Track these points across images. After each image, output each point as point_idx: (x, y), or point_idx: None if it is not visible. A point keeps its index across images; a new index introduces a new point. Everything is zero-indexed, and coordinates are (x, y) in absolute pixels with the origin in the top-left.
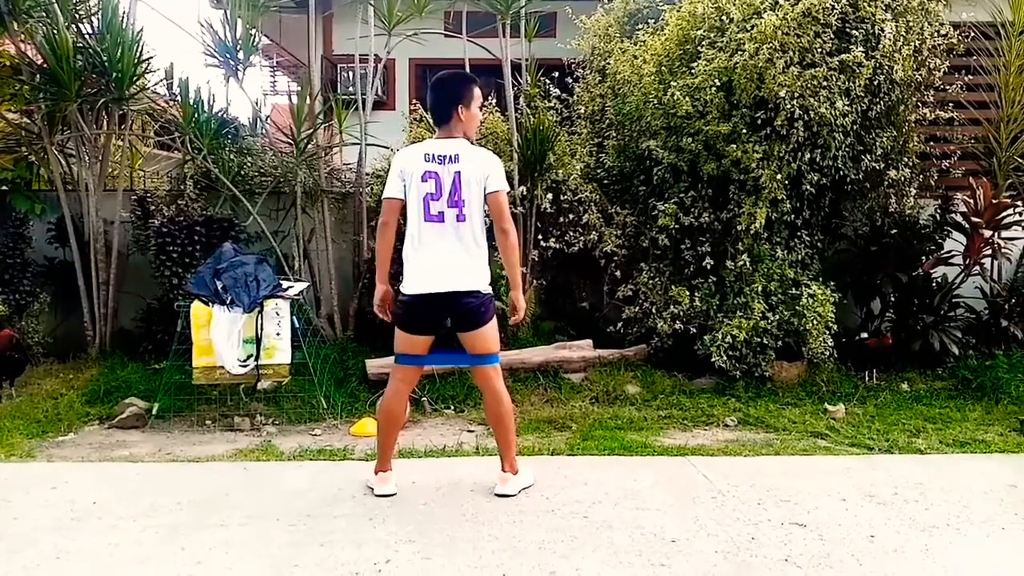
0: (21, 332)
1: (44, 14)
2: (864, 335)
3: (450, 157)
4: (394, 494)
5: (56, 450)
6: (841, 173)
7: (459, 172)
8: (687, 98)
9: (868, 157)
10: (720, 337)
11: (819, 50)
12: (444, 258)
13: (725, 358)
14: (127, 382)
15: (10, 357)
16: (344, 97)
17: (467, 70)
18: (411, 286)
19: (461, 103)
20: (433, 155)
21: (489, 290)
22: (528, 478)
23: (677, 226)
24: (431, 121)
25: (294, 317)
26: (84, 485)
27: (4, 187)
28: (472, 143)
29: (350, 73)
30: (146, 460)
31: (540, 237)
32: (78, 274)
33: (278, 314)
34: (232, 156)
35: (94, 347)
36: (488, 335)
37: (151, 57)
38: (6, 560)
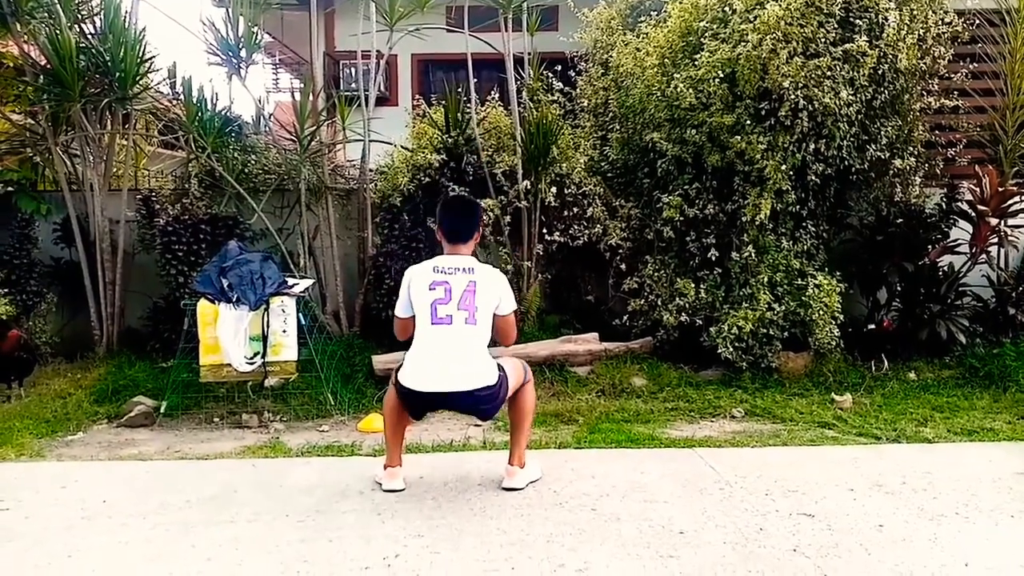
0: (29, 332)
1: (47, 15)
2: (872, 326)
3: (463, 269)
4: (402, 489)
5: (65, 449)
6: (846, 163)
7: (474, 281)
8: (690, 90)
9: (873, 146)
10: (726, 328)
11: (823, 40)
12: (450, 358)
13: (731, 349)
14: (135, 381)
15: (18, 357)
16: (347, 93)
17: (469, 64)
18: (409, 380)
19: (480, 226)
20: (444, 268)
21: (495, 380)
22: (535, 472)
23: (682, 218)
24: (444, 239)
25: (300, 314)
26: (94, 484)
27: (9, 188)
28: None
29: (352, 69)
30: (155, 458)
31: (544, 231)
32: (84, 274)
33: (284, 311)
34: (236, 154)
35: (101, 346)
36: (517, 404)
37: (154, 56)
38: (18, 559)
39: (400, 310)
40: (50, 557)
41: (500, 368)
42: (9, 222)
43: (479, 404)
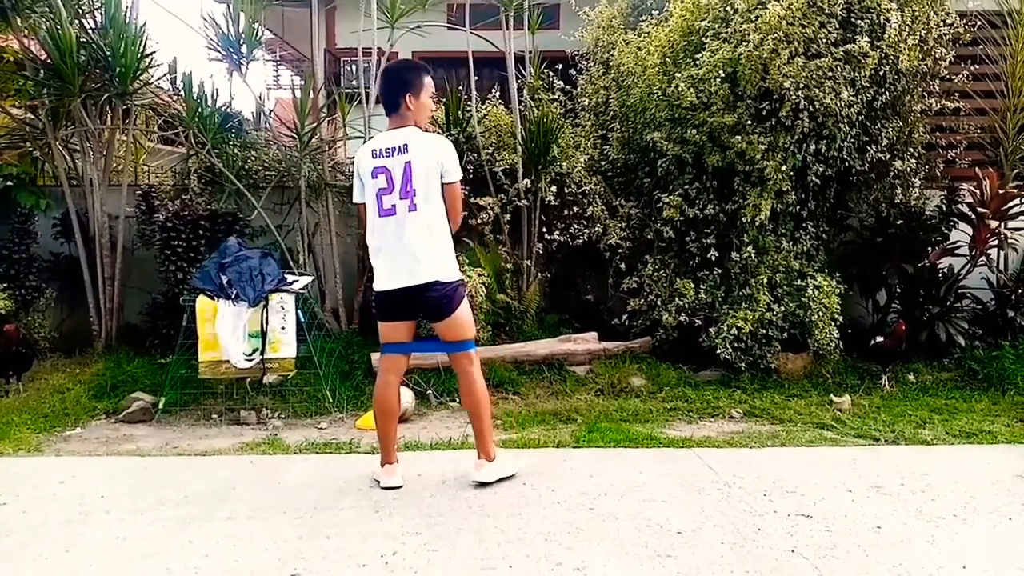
0: (27, 327)
1: (47, 9)
2: (880, 338)
3: (399, 148)
4: (401, 486)
5: (63, 444)
6: (846, 164)
7: (409, 162)
8: (691, 89)
9: (874, 148)
10: (725, 329)
11: (824, 40)
12: (400, 253)
13: (730, 350)
14: (133, 376)
15: (16, 352)
16: (347, 91)
17: (470, 62)
18: (377, 283)
19: (410, 91)
20: (381, 150)
21: (454, 277)
22: (507, 467)
23: (682, 218)
24: (385, 111)
25: (299, 311)
26: (91, 479)
27: (9, 183)
28: (424, 131)
29: (353, 67)
30: (153, 454)
31: (544, 230)
32: (83, 269)
33: (283, 308)
34: (236, 150)
35: (100, 342)
36: (457, 323)
37: (154, 52)
38: (16, 553)
39: (357, 195)
40: (48, 552)
41: (460, 276)
42: (8, 217)
43: (434, 306)
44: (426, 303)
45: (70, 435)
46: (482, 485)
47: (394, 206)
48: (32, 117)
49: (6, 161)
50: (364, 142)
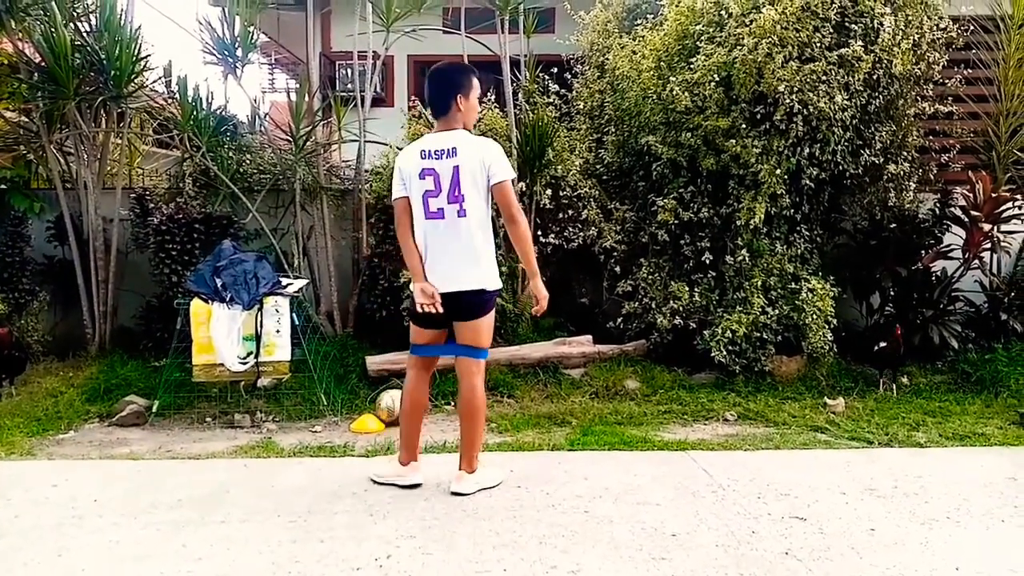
0: (21, 330)
1: (42, 12)
2: (883, 343)
3: (448, 151)
4: (421, 484)
5: (56, 448)
6: (840, 168)
7: (457, 166)
8: (686, 93)
9: (867, 151)
10: (720, 332)
11: (818, 44)
12: (446, 257)
13: (725, 353)
14: (127, 380)
15: (9, 355)
16: (343, 94)
17: None
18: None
19: (460, 92)
20: (430, 151)
21: (495, 287)
22: (490, 478)
23: (676, 221)
24: (430, 115)
25: (294, 314)
26: (85, 483)
27: (3, 185)
28: (471, 133)
29: (349, 70)
30: (146, 457)
31: (539, 233)
32: (77, 272)
33: (278, 311)
34: (231, 154)
35: (94, 345)
36: (480, 328)
37: (149, 55)
38: (8, 557)
39: (397, 191)
40: (40, 556)
41: (500, 285)
42: (2, 220)
43: (469, 307)
44: (463, 303)
45: (63, 439)
46: (459, 495)
47: (441, 209)
48: (26, 120)
49: (0, 164)
50: (360, 146)
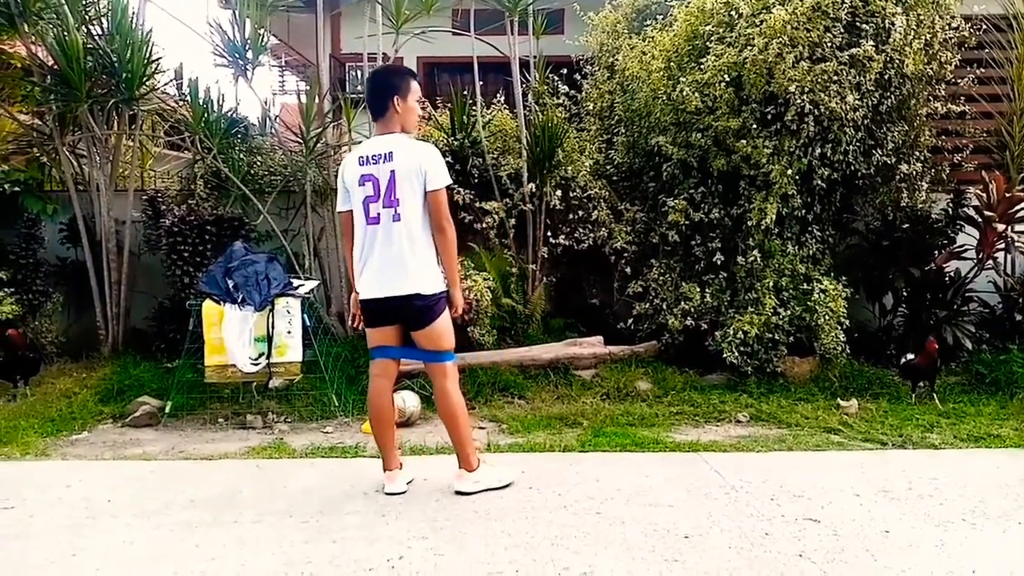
0: (34, 332)
1: (54, 16)
2: (911, 356)
3: (384, 156)
4: (403, 492)
5: (70, 448)
6: (852, 168)
7: (394, 171)
8: (696, 94)
9: (879, 152)
10: (731, 333)
11: (829, 44)
12: (383, 262)
13: (736, 354)
14: (140, 381)
15: (23, 356)
16: (353, 96)
17: (475, 67)
18: (362, 291)
19: (397, 95)
20: (368, 157)
21: (436, 289)
22: (493, 478)
23: (687, 222)
24: (372, 117)
25: (305, 315)
26: (98, 483)
27: (16, 188)
28: (409, 136)
29: (358, 72)
30: (159, 458)
31: (549, 234)
32: (90, 274)
33: (289, 312)
34: (242, 155)
35: (107, 346)
36: (435, 333)
37: (160, 57)
38: (22, 557)
39: (341, 203)
40: (54, 556)
41: (444, 287)
42: (15, 222)
43: (414, 316)
44: (407, 312)
45: (77, 439)
46: (461, 494)
47: (379, 215)
48: (39, 123)
49: (13, 167)
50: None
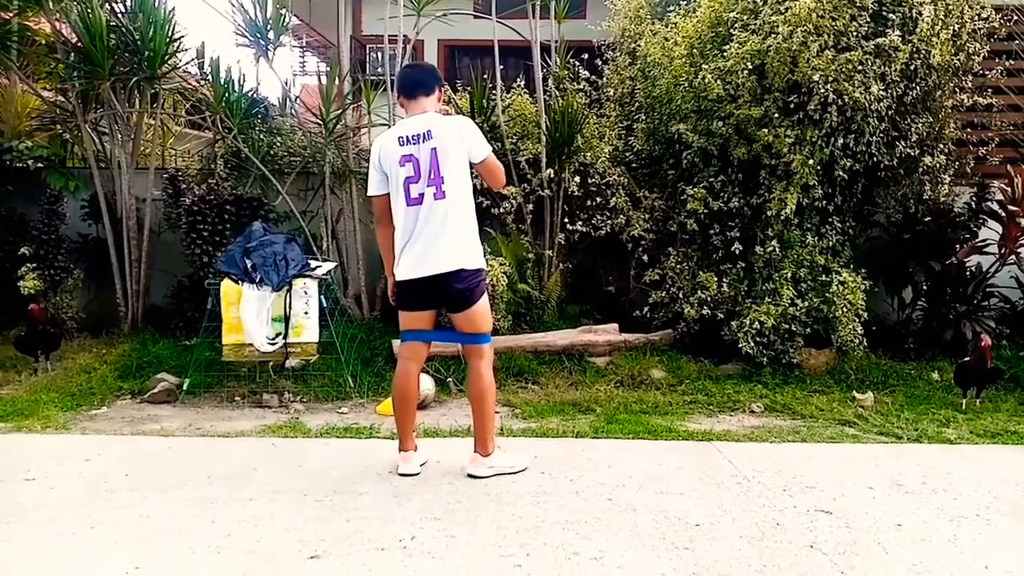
0: (56, 307)
1: None
2: (967, 359)
3: (423, 135)
4: (417, 474)
5: (90, 423)
6: (875, 159)
7: (434, 148)
8: (718, 81)
9: (903, 143)
10: (748, 323)
11: (854, 33)
12: (426, 242)
13: (752, 344)
14: (158, 358)
15: (44, 331)
16: (373, 78)
17: (496, 51)
18: (400, 272)
19: (440, 87)
20: (408, 137)
21: (478, 264)
22: (510, 463)
23: (706, 211)
24: (404, 99)
25: (322, 296)
26: (117, 458)
27: (40, 164)
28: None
29: (379, 54)
30: (176, 434)
31: (567, 220)
32: (111, 251)
33: (306, 293)
34: (262, 136)
35: (126, 323)
36: (475, 316)
37: (182, 36)
38: (43, 528)
39: (373, 188)
40: (74, 528)
41: (484, 265)
42: (39, 198)
43: (455, 297)
44: (448, 293)
45: (96, 414)
46: (474, 478)
47: (421, 195)
48: (63, 100)
49: (37, 143)
50: (388, 130)
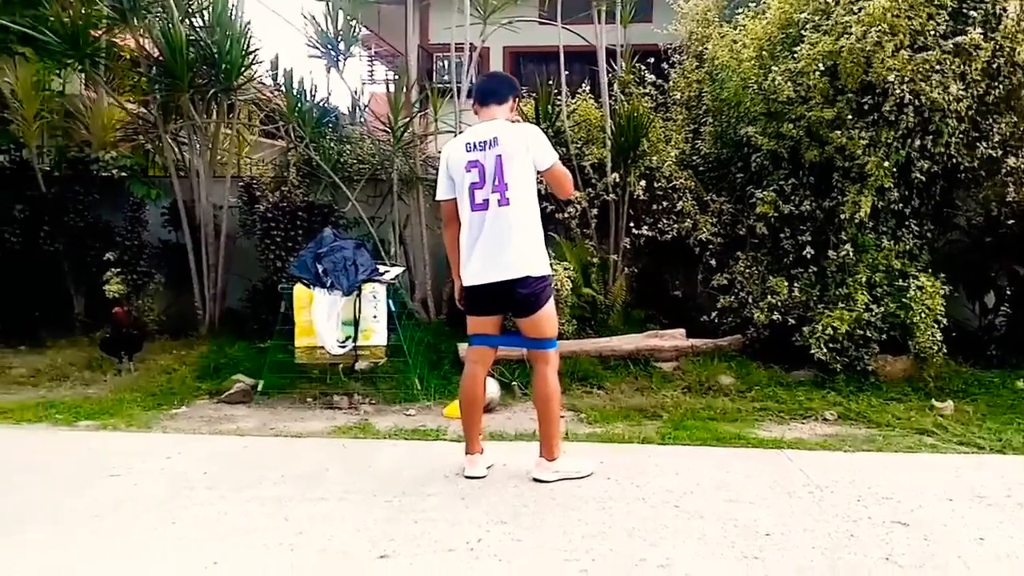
0: (138, 310)
1: (160, 9)
2: None
3: (489, 142)
4: (483, 476)
5: (170, 422)
6: (954, 160)
7: (500, 155)
8: (789, 83)
9: (984, 144)
10: (820, 329)
11: (932, 32)
12: (491, 248)
13: (825, 350)
14: (234, 359)
15: (128, 334)
16: (439, 86)
17: (561, 56)
18: (467, 277)
19: (516, 95)
20: (474, 143)
21: (544, 271)
22: (573, 467)
23: (776, 214)
24: (477, 106)
25: (390, 301)
26: (195, 456)
27: (123, 173)
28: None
29: (446, 62)
30: (251, 434)
31: (632, 224)
32: (189, 256)
33: (375, 297)
34: (332, 144)
35: (204, 325)
36: (541, 321)
37: (257, 49)
38: (129, 523)
39: (441, 192)
40: (156, 523)
41: (552, 272)
42: (122, 206)
43: (522, 303)
44: (514, 299)
45: (176, 413)
46: (539, 482)
47: (486, 200)
48: (144, 112)
49: (121, 153)
50: (455, 137)
